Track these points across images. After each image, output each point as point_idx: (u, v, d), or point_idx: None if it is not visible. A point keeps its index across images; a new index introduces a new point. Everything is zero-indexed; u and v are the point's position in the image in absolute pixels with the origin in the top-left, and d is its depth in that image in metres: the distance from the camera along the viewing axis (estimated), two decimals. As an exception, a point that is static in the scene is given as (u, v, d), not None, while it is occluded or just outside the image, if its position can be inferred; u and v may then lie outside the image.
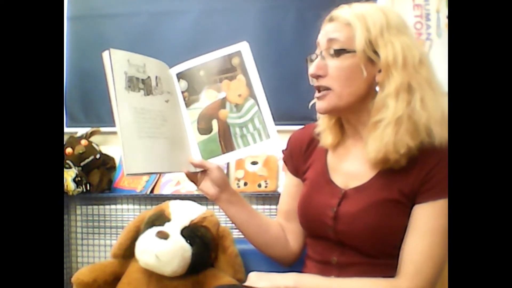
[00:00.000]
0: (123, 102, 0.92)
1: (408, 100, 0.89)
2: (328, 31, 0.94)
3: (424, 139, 0.89)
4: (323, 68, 0.93)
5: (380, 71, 0.92)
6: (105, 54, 0.91)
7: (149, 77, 0.98)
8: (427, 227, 0.89)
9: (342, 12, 0.94)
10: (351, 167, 0.99)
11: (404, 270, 0.90)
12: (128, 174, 0.91)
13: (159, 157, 0.97)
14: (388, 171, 0.92)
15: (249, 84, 1.02)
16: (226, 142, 1.03)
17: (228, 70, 1.03)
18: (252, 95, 1.02)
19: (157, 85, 1.00)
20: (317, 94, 0.96)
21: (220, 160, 1.03)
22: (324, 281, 0.93)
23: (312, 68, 0.95)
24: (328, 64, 0.93)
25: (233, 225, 1.08)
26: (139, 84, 0.96)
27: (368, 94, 0.94)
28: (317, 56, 0.95)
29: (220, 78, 1.03)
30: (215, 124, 1.04)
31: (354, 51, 0.91)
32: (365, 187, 0.95)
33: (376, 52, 0.91)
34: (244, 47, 1.01)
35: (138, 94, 0.95)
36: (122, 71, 0.93)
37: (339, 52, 0.92)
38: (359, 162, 0.98)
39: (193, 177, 1.04)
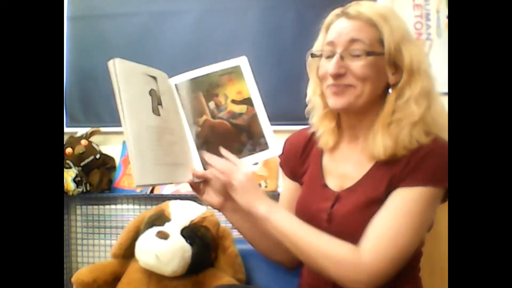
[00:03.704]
0: (131, 115, 0.90)
1: (427, 105, 0.92)
2: (349, 30, 0.92)
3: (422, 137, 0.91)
4: (344, 67, 0.92)
5: (393, 73, 0.93)
6: (111, 64, 0.89)
7: (153, 89, 0.97)
8: (399, 208, 0.89)
9: (362, 9, 0.93)
10: (346, 168, 0.99)
11: (364, 243, 0.89)
12: (138, 186, 0.90)
13: (166, 167, 0.96)
14: (378, 168, 0.93)
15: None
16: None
17: None
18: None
19: (163, 97, 0.99)
20: (334, 90, 0.94)
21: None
22: (294, 224, 0.94)
23: (333, 68, 0.92)
24: (350, 63, 0.92)
25: (233, 225, 1.08)
26: (146, 95, 0.95)
27: (380, 96, 0.95)
28: (332, 54, 0.94)
29: None
30: None
31: (382, 54, 0.91)
32: (356, 187, 0.96)
33: (397, 56, 0.92)
34: (243, 62, 1.00)
35: (146, 106, 0.94)
36: (131, 81, 0.92)
37: (366, 54, 0.91)
38: (353, 163, 0.98)
39: (196, 188, 1.03)
